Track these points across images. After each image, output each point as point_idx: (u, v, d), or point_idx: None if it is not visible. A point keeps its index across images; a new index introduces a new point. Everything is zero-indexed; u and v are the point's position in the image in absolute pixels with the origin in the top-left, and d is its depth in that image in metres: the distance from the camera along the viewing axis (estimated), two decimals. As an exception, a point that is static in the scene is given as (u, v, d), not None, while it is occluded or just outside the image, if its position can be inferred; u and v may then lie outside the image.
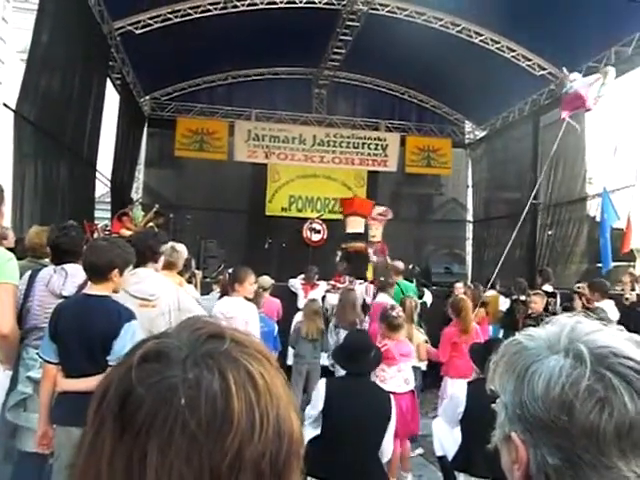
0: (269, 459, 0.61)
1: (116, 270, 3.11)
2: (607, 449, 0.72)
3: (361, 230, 12.18)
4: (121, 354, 2.25)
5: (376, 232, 12.18)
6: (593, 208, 11.60)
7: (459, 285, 9.08)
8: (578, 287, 7.72)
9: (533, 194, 8.67)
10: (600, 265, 10.14)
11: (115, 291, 3.21)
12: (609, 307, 6.67)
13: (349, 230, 12.22)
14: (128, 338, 2.92)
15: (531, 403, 0.77)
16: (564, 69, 7.99)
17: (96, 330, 2.97)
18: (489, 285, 7.84)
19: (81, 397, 2.82)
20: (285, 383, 0.68)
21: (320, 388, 3.30)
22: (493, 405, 0.86)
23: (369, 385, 3.50)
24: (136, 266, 3.56)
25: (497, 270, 7.39)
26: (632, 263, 10.52)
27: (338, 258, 10.34)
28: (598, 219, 10.81)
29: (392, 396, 3.49)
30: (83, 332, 2.98)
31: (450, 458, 3.31)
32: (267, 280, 7.55)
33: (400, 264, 8.21)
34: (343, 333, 5.93)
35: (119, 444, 0.60)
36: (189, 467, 0.58)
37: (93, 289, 3.14)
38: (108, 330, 2.94)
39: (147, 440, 0.59)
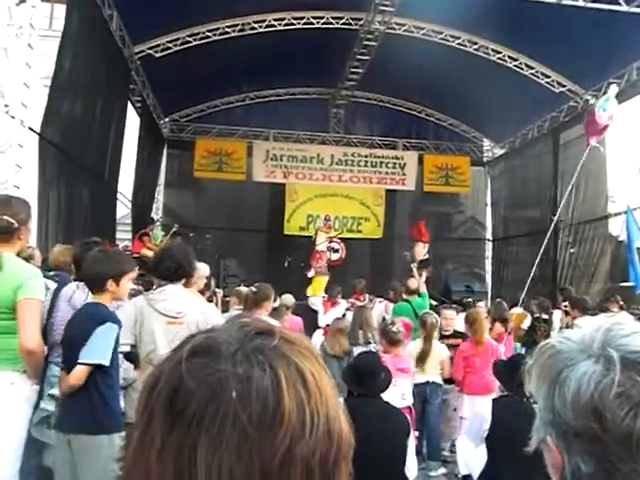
0: (319, 458, 0.61)
1: (110, 280, 3.20)
2: None
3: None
4: (87, 354, 2.46)
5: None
6: (616, 227, 11.45)
7: (481, 304, 8.99)
8: (565, 305, 7.66)
9: (559, 212, 8.61)
10: (625, 285, 9.97)
11: (118, 299, 3.34)
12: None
13: (421, 257, 12.23)
14: (101, 340, 3.02)
15: (562, 410, 0.75)
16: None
17: (75, 334, 3.10)
18: (521, 303, 7.76)
19: (65, 403, 3.08)
20: (333, 384, 0.67)
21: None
22: (535, 406, 0.84)
23: (382, 405, 3.45)
24: (171, 280, 3.61)
25: (526, 289, 7.32)
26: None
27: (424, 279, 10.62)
28: (621, 238, 10.65)
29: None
30: (71, 338, 3.13)
31: (475, 477, 3.25)
32: (290, 299, 7.57)
33: (413, 282, 8.11)
34: (356, 351, 5.90)
35: (169, 438, 0.59)
36: (239, 462, 0.58)
37: (92, 298, 3.28)
38: (83, 333, 3.04)
39: (197, 434, 0.58)
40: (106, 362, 3.00)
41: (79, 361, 2.98)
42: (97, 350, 2.99)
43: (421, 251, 12.11)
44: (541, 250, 7.54)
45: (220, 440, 0.58)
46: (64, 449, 3.02)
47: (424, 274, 10.43)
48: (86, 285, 3.30)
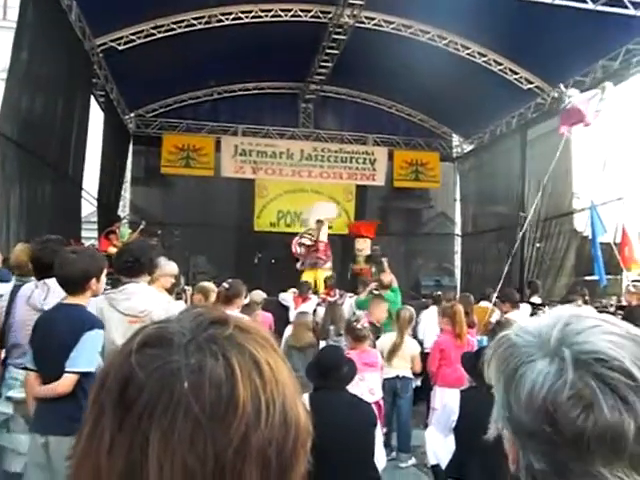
0: (276, 447, 0.60)
1: (93, 279, 3.13)
2: (591, 457, 0.71)
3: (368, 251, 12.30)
4: (76, 361, 2.24)
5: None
6: (581, 222, 11.67)
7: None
8: (497, 297, 7.83)
9: (533, 207, 8.77)
10: (589, 278, 10.19)
11: (94, 295, 3.25)
12: (520, 317, 6.78)
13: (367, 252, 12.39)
14: (88, 346, 2.95)
15: (517, 410, 0.76)
16: (561, 85, 8.02)
17: (59, 338, 2.98)
18: (492, 299, 7.87)
19: (45, 406, 2.96)
20: (290, 372, 0.67)
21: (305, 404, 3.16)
22: (493, 391, 0.83)
23: (347, 397, 3.47)
24: (131, 276, 3.54)
25: (500, 285, 7.41)
26: (618, 276, 10.56)
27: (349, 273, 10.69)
28: (586, 233, 10.87)
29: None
30: (50, 340, 2.99)
31: (444, 466, 3.27)
32: (259, 294, 7.52)
33: (386, 277, 8.15)
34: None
35: (119, 431, 0.58)
36: (193, 453, 0.56)
37: (69, 299, 3.15)
38: (69, 338, 2.95)
39: (149, 426, 0.57)
40: (94, 369, 2.94)
41: (69, 369, 2.90)
42: (86, 358, 2.93)
43: (366, 247, 12.28)
44: (516, 246, 7.66)
45: (172, 432, 0.56)
46: (38, 452, 2.93)
47: (374, 268, 10.65)
48: (65, 286, 3.15)
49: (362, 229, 13.49)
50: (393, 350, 6.05)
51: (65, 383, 2.90)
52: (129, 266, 3.52)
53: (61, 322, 3.03)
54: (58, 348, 2.94)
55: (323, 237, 11.76)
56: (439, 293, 8.97)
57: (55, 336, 2.98)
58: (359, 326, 5.14)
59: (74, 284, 3.11)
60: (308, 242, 13.05)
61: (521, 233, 8.25)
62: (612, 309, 7.83)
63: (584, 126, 8.08)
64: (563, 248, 12.19)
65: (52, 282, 3.62)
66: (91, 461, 0.58)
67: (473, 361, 3.28)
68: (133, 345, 0.62)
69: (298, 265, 11.35)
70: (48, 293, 3.58)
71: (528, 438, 0.75)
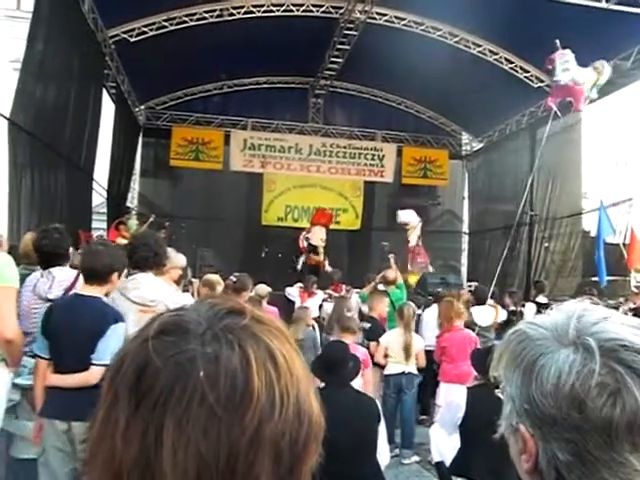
0: (289, 439, 0.60)
1: (116, 273, 3.19)
2: (619, 444, 0.70)
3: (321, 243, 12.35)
4: (104, 354, 2.25)
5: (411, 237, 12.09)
6: (590, 223, 11.63)
7: (463, 291, 9.10)
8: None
9: (522, 202, 8.75)
10: (596, 279, 10.17)
11: (107, 293, 3.26)
12: (481, 312, 7.17)
13: (318, 242, 12.39)
14: (114, 339, 2.97)
15: (540, 399, 0.75)
16: (557, 41, 7.85)
17: (83, 329, 2.99)
18: (491, 295, 7.87)
19: (66, 393, 2.95)
20: (304, 365, 0.67)
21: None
22: (497, 391, 0.83)
23: (352, 392, 3.49)
24: (147, 269, 3.57)
25: (494, 282, 7.44)
26: (627, 278, 10.53)
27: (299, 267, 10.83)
28: (593, 234, 10.83)
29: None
30: (71, 330, 3.00)
31: (448, 463, 3.27)
32: (264, 288, 7.53)
33: (390, 273, 8.15)
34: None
35: (134, 417, 0.58)
36: (206, 441, 0.57)
37: (86, 290, 3.17)
38: (94, 330, 2.97)
39: (164, 413, 0.57)
40: None
41: (99, 362, 2.92)
42: (113, 350, 2.94)
43: (320, 235, 12.22)
44: (507, 244, 7.67)
45: (187, 420, 0.57)
46: (58, 437, 2.96)
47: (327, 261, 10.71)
48: (89, 277, 3.17)
49: (322, 218, 13.22)
50: (407, 348, 6.09)
51: (95, 375, 2.92)
52: (151, 260, 3.57)
53: (85, 313, 3.04)
54: (82, 339, 2.95)
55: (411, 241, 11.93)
56: (439, 290, 8.97)
57: (78, 327, 2.99)
58: (349, 315, 5.10)
59: (98, 275, 3.14)
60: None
61: (513, 230, 8.28)
62: (626, 310, 7.79)
63: (573, 110, 8.05)
64: (573, 248, 12.14)
65: (57, 271, 3.65)
66: (106, 445, 0.59)
67: (483, 359, 3.29)
68: (150, 332, 0.62)
69: (409, 267, 11.39)
70: (53, 282, 3.60)
71: (552, 427, 0.74)
